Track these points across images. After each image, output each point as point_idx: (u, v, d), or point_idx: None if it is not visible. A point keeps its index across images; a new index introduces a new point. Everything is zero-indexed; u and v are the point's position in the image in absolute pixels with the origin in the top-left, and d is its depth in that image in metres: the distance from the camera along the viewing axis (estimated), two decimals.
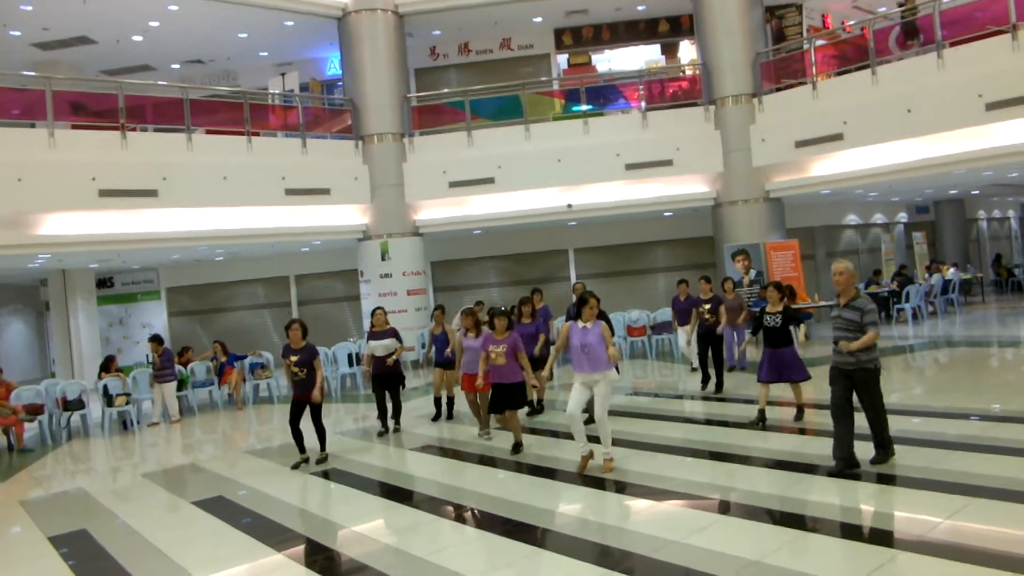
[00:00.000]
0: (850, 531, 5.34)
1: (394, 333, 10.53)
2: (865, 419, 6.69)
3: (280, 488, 8.02)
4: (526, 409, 10.20)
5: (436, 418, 10.95)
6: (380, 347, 10.31)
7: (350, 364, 15.13)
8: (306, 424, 8.76)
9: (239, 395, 14.43)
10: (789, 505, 6.00)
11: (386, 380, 10.36)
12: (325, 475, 8.50)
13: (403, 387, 10.61)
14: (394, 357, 10.25)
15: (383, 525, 6.71)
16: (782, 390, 9.43)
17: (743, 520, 5.81)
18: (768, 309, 8.91)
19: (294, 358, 8.63)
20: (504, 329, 8.53)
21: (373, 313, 10.84)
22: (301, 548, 6.25)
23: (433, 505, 6.99)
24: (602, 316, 9.48)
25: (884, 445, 6.71)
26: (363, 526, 6.58)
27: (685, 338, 13.16)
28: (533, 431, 9.60)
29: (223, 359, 14.85)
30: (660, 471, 7.26)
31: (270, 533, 6.63)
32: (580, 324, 7.38)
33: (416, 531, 6.33)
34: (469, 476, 8.03)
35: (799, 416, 8.80)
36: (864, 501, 5.81)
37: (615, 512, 6.49)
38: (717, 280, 14.19)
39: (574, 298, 8.58)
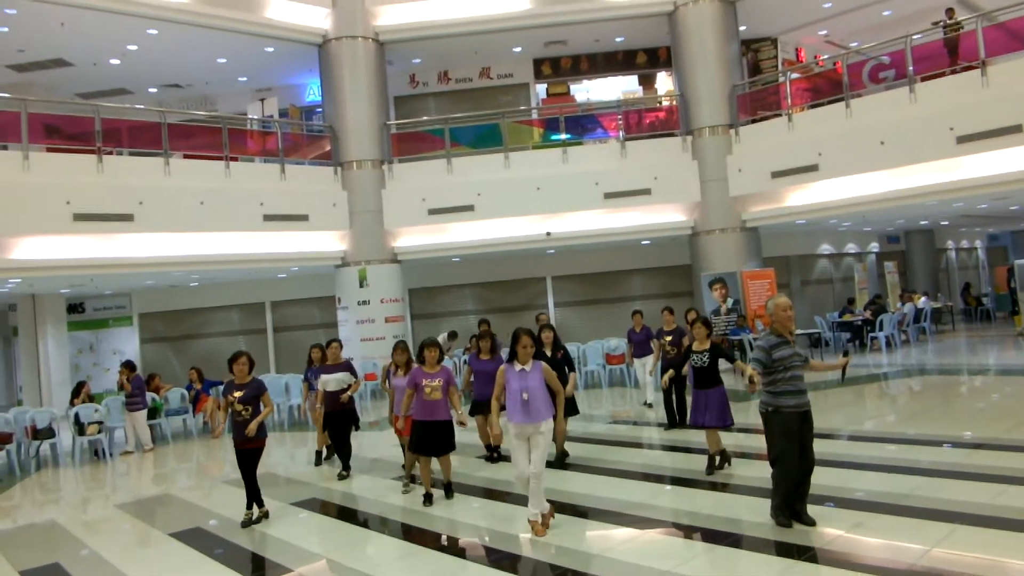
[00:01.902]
0: (836, 562, 5.34)
1: (348, 367, 9.72)
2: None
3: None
4: (483, 455, 9.63)
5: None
6: (333, 381, 9.44)
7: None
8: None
9: (214, 423, 14.24)
10: (778, 534, 5.99)
11: (337, 418, 9.52)
12: (305, 505, 8.39)
13: (356, 428, 9.81)
14: (348, 394, 9.41)
15: (362, 555, 6.63)
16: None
17: (729, 548, 5.81)
18: (695, 347, 8.06)
19: (238, 394, 7.48)
20: (435, 362, 7.65)
21: (328, 345, 9.97)
22: None
23: (411, 536, 6.91)
24: (563, 351, 9.32)
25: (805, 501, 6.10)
26: (340, 556, 6.49)
27: (643, 371, 12.64)
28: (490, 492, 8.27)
29: (198, 386, 14.67)
30: (636, 499, 7.25)
31: (246, 564, 6.52)
32: (517, 366, 6.43)
33: (397, 562, 6.25)
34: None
35: (716, 466, 7.95)
36: (849, 530, 5.83)
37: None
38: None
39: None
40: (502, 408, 6.66)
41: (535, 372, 6.40)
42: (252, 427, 7.38)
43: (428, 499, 7.76)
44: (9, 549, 7.66)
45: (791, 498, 6.03)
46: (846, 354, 6.44)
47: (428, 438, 7.63)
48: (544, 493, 6.56)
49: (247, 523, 7.60)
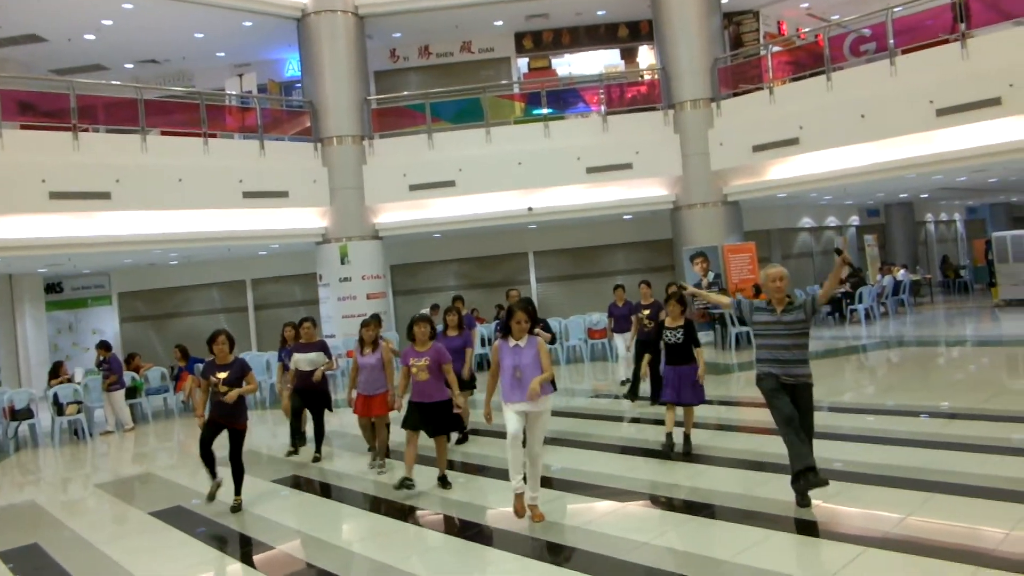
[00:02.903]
0: (815, 529, 5.40)
1: (323, 346, 9.47)
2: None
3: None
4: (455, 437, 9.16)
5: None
6: (305, 361, 9.25)
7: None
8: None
9: (195, 401, 14.18)
10: (758, 504, 6.04)
11: (309, 398, 9.32)
12: (287, 482, 8.39)
13: (330, 409, 9.52)
14: (321, 371, 9.22)
15: (344, 531, 6.65)
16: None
17: (709, 520, 5.86)
18: (668, 323, 7.93)
19: (222, 375, 7.18)
20: (426, 339, 7.31)
21: (300, 324, 9.64)
22: (262, 556, 6.15)
23: (392, 512, 6.92)
24: (543, 324, 9.29)
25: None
26: (322, 533, 6.51)
27: (624, 345, 12.51)
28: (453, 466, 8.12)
29: (182, 364, 14.60)
30: (621, 472, 7.30)
31: (228, 543, 6.52)
32: (511, 342, 6.15)
33: (381, 538, 6.27)
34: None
35: (688, 446, 7.84)
36: (827, 499, 5.88)
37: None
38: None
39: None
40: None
41: (529, 348, 6.08)
42: (233, 394, 7.10)
43: (403, 483, 7.17)
44: None
45: (804, 455, 5.62)
46: (838, 252, 5.90)
47: (421, 419, 7.30)
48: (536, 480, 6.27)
49: (213, 497, 7.48)
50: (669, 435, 7.82)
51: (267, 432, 11.78)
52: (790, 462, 5.74)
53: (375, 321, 8.77)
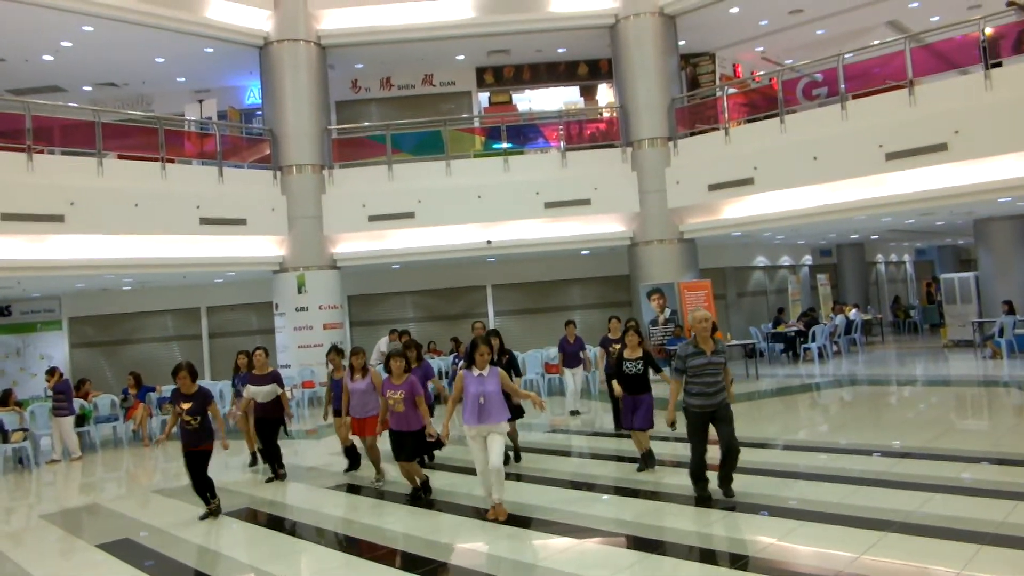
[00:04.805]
0: (767, 569, 5.45)
1: (275, 377, 9.65)
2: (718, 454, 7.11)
3: (189, 530, 7.73)
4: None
5: (349, 469, 9.86)
6: (261, 394, 9.50)
7: None
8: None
9: (145, 431, 13.91)
10: (711, 543, 6.09)
11: (262, 425, 9.59)
12: (241, 515, 8.24)
13: (285, 430, 9.93)
14: (287, 409, 9.70)
15: (296, 566, 6.55)
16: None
17: (663, 557, 5.88)
18: (627, 355, 8.51)
19: (186, 405, 7.80)
20: (401, 372, 7.88)
21: (253, 352, 9.85)
22: None
23: (347, 546, 6.84)
24: (508, 355, 9.48)
25: (731, 478, 7.17)
26: (274, 567, 6.40)
27: (572, 381, 13.10)
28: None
29: (134, 392, 14.32)
30: (572, 507, 7.31)
31: None
32: (475, 372, 6.96)
33: (334, 572, 6.18)
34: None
35: (648, 465, 8.51)
36: (781, 538, 5.96)
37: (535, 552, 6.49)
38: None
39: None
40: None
41: (492, 377, 6.92)
42: (225, 443, 8.29)
43: (417, 492, 8.06)
44: None
45: (702, 474, 7.20)
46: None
47: (400, 446, 7.89)
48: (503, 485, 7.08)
49: (207, 516, 8.01)
50: (645, 454, 8.55)
51: (219, 463, 11.52)
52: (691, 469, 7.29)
53: (356, 350, 9.20)
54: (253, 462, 10.70)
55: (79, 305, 20.09)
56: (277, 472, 9.70)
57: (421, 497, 8.06)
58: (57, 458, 12.69)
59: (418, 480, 8.14)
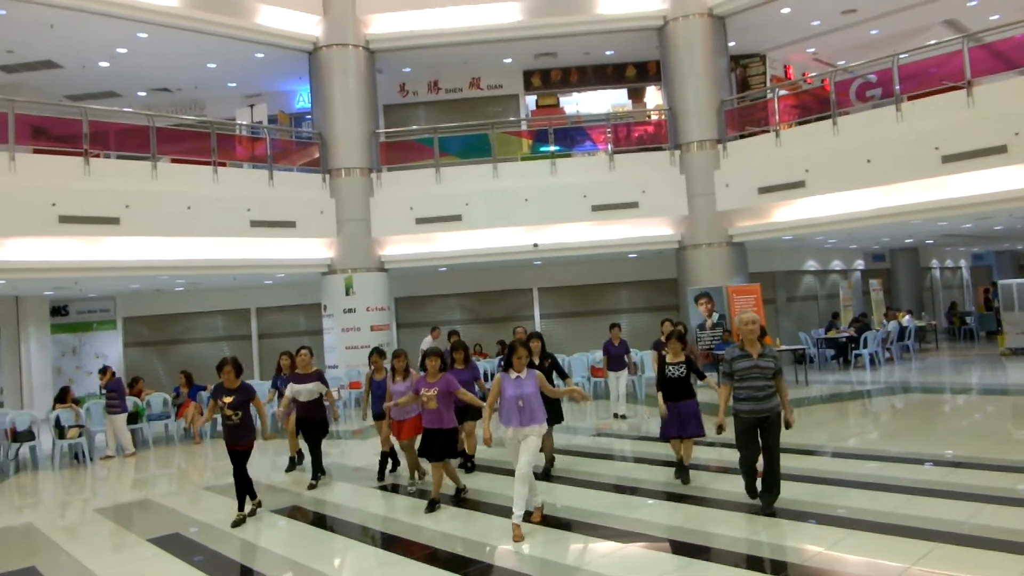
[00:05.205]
0: None
1: (319, 376, 9.61)
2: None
3: (238, 526, 7.84)
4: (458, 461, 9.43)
5: (381, 476, 9.69)
6: (304, 392, 9.44)
7: None
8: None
9: (196, 429, 14.16)
10: (759, 549, 6.00)
11: (307, 427, 9.56)
12: (286, 512, 8.34)
13: (325, 434, 9.76)
14: (334, 410, 9.71)
15: (342, 564, 6.60)
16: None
17: (708, 563, 5.81)
18: (669, 360, 8.30)
19: (228, 399, 7.78)
20: (436, 371, 7.87)
21: (297, 352, 9.82)
22: None
23: (390, 545, 6.88)
24: (551, 359, 9.42)
25: (776, 486, 6.93)
26: (320, 565, 6.45)
27: (616, 384, 13.06)
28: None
29: (185, 390, 14.61)
30: (616, 511, 7.25)
31: (225, 572, 6.47)
32: (512, 374, 6.93)
33: (378, 572, 6.22)
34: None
35: (685, 475, 8.26)
36: (829, 547, 5.84)
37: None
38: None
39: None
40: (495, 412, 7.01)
41: (530, 379, 6.88)
42: (268, 434, 8.53)
43: (432, 506, 7.81)
44: None
45: (752, 472, 7.02)
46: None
47: (428, 444, 7.85)
48: (534, 490, 6.98)
49: (238, 523, 7.81)
50: (680, 460, 8.35)
51: (266, 461, 11.71)
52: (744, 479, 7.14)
53: (379, 353, 9.31)
54: (291, 467, 10.63)
55: (133, 305, 20.57)
56: (309, 483, 9.50)
57: (437, 504, 7.84)
58: (111, 454, 13.00)
59: (456, 485, 8.14)
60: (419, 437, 8.27)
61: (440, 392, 7.73)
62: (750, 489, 7.10)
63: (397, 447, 9.49)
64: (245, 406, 7.86)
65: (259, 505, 8.23)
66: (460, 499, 8.10)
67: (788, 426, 6.89)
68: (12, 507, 10.07)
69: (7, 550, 7.67)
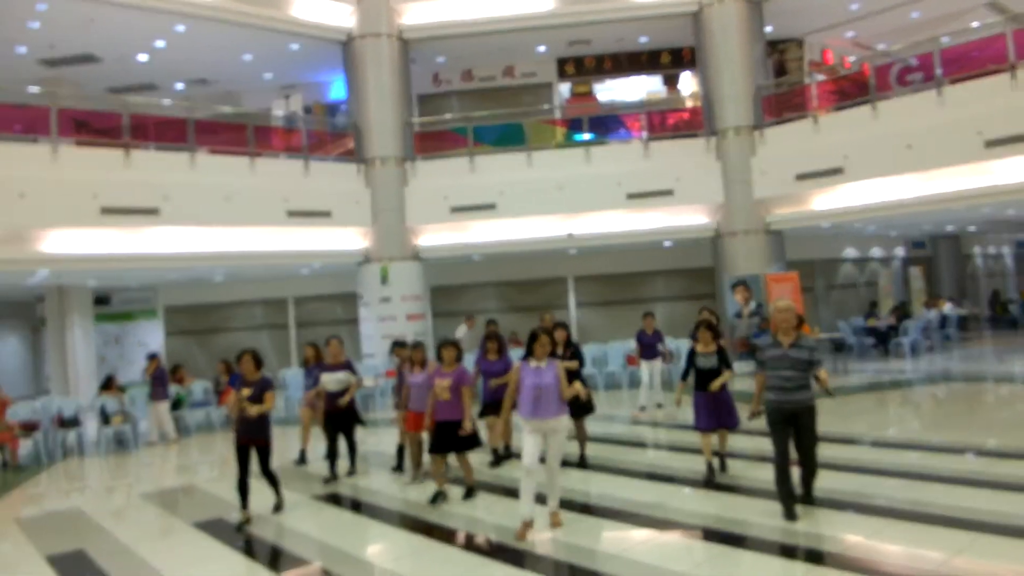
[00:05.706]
0: (855, 566, 5.31)
1: (348, 366, 9.50)
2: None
3: (278, 512, 7.96)
4: (489, 459, 9.31)
5: (397, 468, 9.47)
6: (332, 381, 9.30)
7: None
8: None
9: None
10: (794, 538, 5.97)
11: (338, 420, 9.38)
12: (328, 498, 8.46)
13: (362, 423, 9.67)
14: (348, 396, 9.29)
15: (381, 550, 6.68)
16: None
17: (744, 551, 5.79)
18: (700, 349, 8.15)
19: (247, 391, 7.61)
20: (452, 361, 7.76)
21: (327, 342, 9.65)
22: (299, 571, 6.20)
23: (429, 532, 6.94)
24: (574, 349, 9.35)
25: (811, 488, 6.73)
26: (364, 550, 6.54)
27: (647, 373, 12.71)
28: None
29: (225, 379, 14.80)
30: (651, 499, 7.25)
31: (267, 556, 6.59)
32: (532, 363, 6.59)
33: (413, 556, 6.28)
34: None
35: (723, 467, 8.19)
36: (868, 537, 5.79)
37: None
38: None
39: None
40: (514, 406, 6.77)
41: (550, 370, 6.55)
42: (254, 410, 7.51)
43: (437, 497, 7.74)
44: (35, 535, 7.81)
45: (787, 487, 6.50)
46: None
47: (442, 437, 7.72)
48: (555, 490, 6.71)
49: (241, 526, 7.51)
50: (711, 464, 8.03)
51: (309, 448, 11.84)
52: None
53: (420, 344, 9.03)
54: (301, 460, 10.50)
55: (174, 295, 20.88)
56: (348, 469, 9.49)
57: (440, 497, 7.76)
58: (154, 440, 13.25)
59: (467, 482, 7.93)
60: (424, 434, 8.18)
61: (453, 383, 7.65)
62: (788, 510, 6.41)
63: (408, 441, 9.08)
64: (261, 398, 7.65)
65: (247, 521, 7.59)
66: (468, 495, 7.87)
67: (824, 386, 6.54)
68: (60, 492, 10.33)
69: (57, 533, 7.88)
